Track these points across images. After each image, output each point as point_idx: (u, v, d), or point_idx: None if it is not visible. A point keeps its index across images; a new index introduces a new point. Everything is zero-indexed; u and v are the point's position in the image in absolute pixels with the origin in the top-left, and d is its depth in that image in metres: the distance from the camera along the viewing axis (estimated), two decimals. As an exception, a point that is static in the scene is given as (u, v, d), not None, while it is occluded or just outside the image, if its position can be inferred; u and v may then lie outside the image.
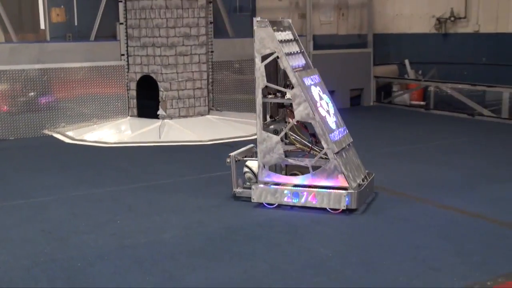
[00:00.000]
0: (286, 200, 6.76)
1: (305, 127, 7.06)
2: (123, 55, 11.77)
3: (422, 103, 14.67)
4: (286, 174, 7.16)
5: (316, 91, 7.00)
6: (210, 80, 12.25)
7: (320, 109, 6.81)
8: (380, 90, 15.36)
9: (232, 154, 7.16)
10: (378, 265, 5.35)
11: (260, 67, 6.81)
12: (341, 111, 14.06)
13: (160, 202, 7.22)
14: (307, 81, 6.91)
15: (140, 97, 11.74)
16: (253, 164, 7.18)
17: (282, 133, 6.94)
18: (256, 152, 7.26)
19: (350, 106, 14.87)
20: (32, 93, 11.05)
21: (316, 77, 7.29)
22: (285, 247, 5.78)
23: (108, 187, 7.87)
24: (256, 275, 5.14)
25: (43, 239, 5.96)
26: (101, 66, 11.60)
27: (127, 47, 11.74)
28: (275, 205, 6.81)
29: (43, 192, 7.60)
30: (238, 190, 7.13)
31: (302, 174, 6.91)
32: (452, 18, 15.16)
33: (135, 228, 6.29)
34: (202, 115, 11.97)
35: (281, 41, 6.86)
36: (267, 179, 6.91)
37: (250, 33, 13.95)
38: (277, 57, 6.77)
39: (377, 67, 15.34)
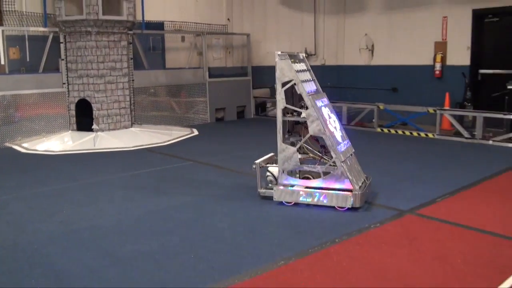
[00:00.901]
0: (302, 199, 6.38)
1: (316, 140, 6.62)
2: (64, 83, 11.39)
3: (287, 115, 14.92)
4: (299, 178, 6.72)
5: (326, 111, 6.60)
6: (132, 102, 12.07)
7: (329, 125, 6.44)
8: (257, 106, 15.58)
9: (257, 161, 6.70)
10: (260, 233, 5.49)
11: (280, 92, 6.40)
12: (230, 122, 14.40)
13: (97, 195, 7.08)
14: (319, 103, 6.51)
15: (78, 115, 11.43)
16: (273, 169, 6.79)
17: (299, 145, 6.53)
18: (276, 160, 6.90)
19: (237, 119, 14.99)
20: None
21: (325, 100, 6.83)
22: (190, 224, 5.83)
23: (55, 185, 7.63)
24: (171, 245, 5.17)
25: (7, 228, 5.76)
26: (48, 92, 11.21)
27: (67, 77, 11.37)
28: (292, 203, 6.41)
29: (5, 191, 7.28)
30: (262, 190, 6.69)
31: (313, 177, 6.56)
32: (306, 55, 15.56)
33: (78, 216, 6.16)
34: (126, 128, 11.75)
35: (297, 71, 6.46)
36: (285, 182, 6.52)
37: (161, 66, 14.05)
38: (294, 84, 6.37)
39: (255, 90, 15.56)
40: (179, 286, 4.29)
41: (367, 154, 9.61)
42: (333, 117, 6.76)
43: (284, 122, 6.60)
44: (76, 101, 11.36)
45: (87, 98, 11.26)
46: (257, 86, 15.77)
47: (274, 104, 15.41)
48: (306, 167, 6.56)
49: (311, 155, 6.66)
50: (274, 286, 4.28)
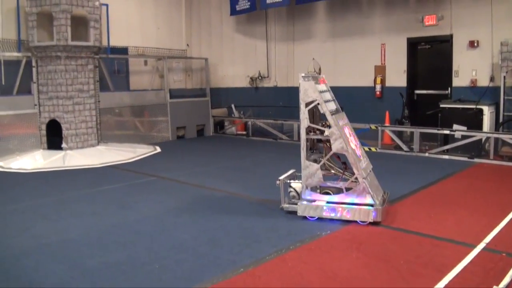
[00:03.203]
0: (325, 214, 6.09)
1: (338, 157, 6.37)
2: (36, 105, 11.15)
3: (244, 132, 14.96)
4: (320, 193, 6.31)
5: (347, 130, 6.31)
6: (98, 121, 11.87)
7: (351, 143, 6.15)
8: (216, 125, 15.54)
9: (281, 177, 6.41)
10: (220, 243, 5.41)
11: (304, 112, 6.12)
12: (190, 140, 14.29)
13: (66, 210, 6.89)
14: (341, 122, 6.24)
15: (49, 135, 11.17)
16: (296, 185, 6.50)
17: (322, 162, 6.25)
18: (296, 176, 6.68)
19: (197, 136, 14.91)
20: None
21: (345, 119, 6.50)
22: (154, 236, 5.73)
23: (28, 202, 7.40)
24: (137, 256, 5.07)
25: (-19, 243, 5.54)
26: (21, 113, 10.96)
27: (38, 99, 11.13)
28: (315, 218, 6.13)
29: (-22, 208, 7.02)
30: (286, 205, 6.40)
31: (333, 193, 6.24)
32: (260, 77, 15.76)
33: (49, 230, 5.98)
34: (93, 146, 11.55)
35: (320, 91, 6.17)
36: (308, 197, 6.24)
37: (125, 88, 13.89)
38: (318, 103, 6.10)
39: (213, 110, 15.52)
40: (146, 294, 4.23)
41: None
42: (353, 135, 6.48)
43: (308, 140, 6.33)
44: (47, 121, 11.12)
45: (57, 119, 11.05)
46: (215, 106, 15.75)
47: (231, 122, 15.47)
48: (329, 183, 6.28)
49: (333, 171, 6.37)
50: (235, 291, 4.26)
